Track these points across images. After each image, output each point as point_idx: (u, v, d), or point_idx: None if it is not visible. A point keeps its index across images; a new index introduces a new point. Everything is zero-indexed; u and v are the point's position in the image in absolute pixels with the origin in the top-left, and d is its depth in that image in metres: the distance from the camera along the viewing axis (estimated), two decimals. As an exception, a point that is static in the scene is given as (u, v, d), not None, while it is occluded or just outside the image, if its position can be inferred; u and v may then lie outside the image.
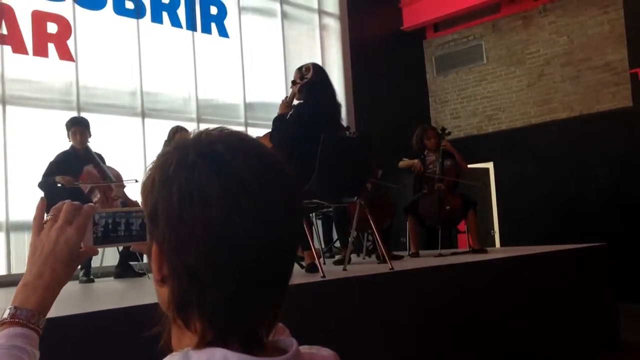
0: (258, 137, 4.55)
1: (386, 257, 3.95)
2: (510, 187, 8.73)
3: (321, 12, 8.50)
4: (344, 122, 6.95)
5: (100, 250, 1.69)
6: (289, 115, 3.99)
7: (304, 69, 4.04)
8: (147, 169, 0.70)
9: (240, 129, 7.19)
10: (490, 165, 9.03)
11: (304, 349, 0.73)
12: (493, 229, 8.89)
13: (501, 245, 8.63)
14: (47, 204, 0.92)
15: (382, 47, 9.11)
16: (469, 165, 6.40)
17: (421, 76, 9.72)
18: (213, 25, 7.31)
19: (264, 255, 0.65)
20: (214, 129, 0.71)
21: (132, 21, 6.64)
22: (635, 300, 6.81)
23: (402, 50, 9.41)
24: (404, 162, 5.72)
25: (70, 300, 3.13)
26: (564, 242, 5.98)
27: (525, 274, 4.57)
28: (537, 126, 8.53)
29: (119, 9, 6.56)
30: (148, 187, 0.68)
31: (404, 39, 9.53)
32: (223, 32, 7.39)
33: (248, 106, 7.46)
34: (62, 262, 0.86)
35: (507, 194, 8.80)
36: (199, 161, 0.65)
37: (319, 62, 7.82)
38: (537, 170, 8.39)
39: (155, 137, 6.17)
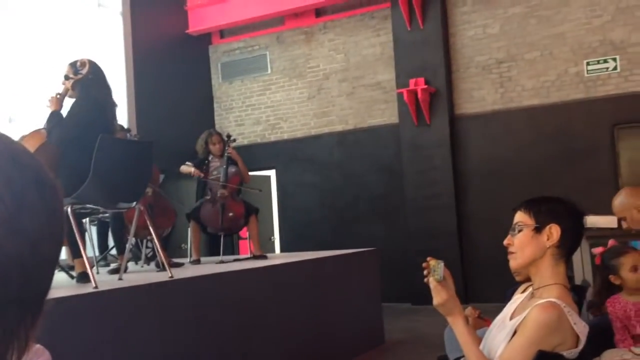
0: (24, 136, 4.13)
1: (166, 265, 3.84)
2: (291, 194, 9.06)
3: (101, 6, 8.02)
4: (125, 124, 6.65)
5: None
6: (67, 113, 3.68)
7: (78, 63, 3.76)
8: None
9: (1, 127, 6.48)
10: (272, 172, 9.28)
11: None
12: (273, 235, 9.13)
13: (281, 251, 8.90)
14: None
15: (167, 49, 8.88)
16: (252, 173, 6.48)
17: (207, 81, 9.67)
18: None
19: (14, 271, 0.56)
20: None
21: None
22: (394, 299, 7.48)
23: (188, 53, 9.27)
24: (184, 168, 5.63)
25: None
26: (339, 248, 6.36)
27: (302, 279, 4.76)
28: (316, 137, 8.97)
29: None
30: None
31: (190, 43, 9.40)
32: (-17, 16, 6.58)
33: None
34: None
35: (287, 201, 9.11)
36: None
37: (98, 59, 7.34)
38: (316, 179, 8.83)
39: None
